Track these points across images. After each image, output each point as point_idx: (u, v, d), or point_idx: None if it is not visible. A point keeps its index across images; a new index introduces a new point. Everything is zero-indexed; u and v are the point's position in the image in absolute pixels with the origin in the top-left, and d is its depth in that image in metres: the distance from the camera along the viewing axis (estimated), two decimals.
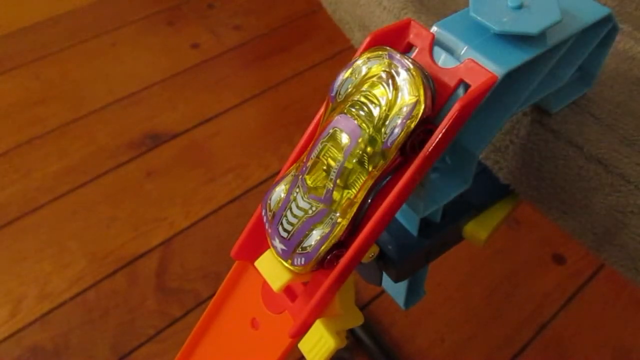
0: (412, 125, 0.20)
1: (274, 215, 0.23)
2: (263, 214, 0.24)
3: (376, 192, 0.22)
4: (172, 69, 1.04)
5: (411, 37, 0.23)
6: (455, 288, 0.72)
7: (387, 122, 0.20)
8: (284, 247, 0.23)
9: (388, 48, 0.21)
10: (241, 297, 0.27)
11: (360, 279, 0.31)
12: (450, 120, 0.20)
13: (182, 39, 1.11)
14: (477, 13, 0.22)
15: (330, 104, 0.22)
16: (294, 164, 0.24)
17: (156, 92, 1.00)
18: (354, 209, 0.22)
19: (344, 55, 1.06)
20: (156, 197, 0.84)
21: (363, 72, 0.21)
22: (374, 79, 0.21)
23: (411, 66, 0.20)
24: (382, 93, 0.21)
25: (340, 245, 0.22)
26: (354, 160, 0.21)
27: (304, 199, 0.22)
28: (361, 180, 0.21)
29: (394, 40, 0.23)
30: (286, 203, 0.23)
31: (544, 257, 0.75)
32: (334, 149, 0.21)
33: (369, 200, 0.22)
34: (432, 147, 0.21)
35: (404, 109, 0.20)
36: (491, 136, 0.24)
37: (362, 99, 0.21)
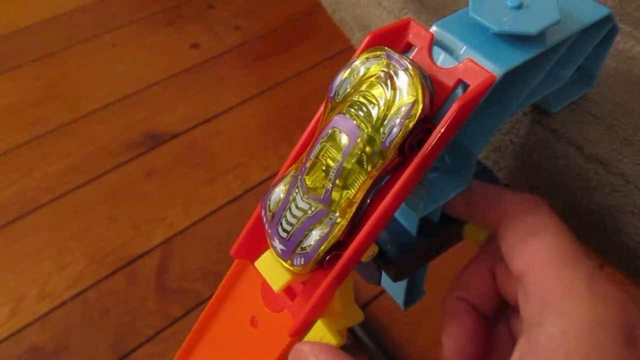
0: (411, 125, 0.20)
1: (273, 216, 0.23)
2: (262, 214, 0.24)
3: (375, 192, 0.22)
4: (172, 69, 1.04)
5: (410, 37, 0.23)
6: None
7: (385, 122, 0.20)
8: (283, 248, 0.23)
9: (386, 48, 0.21)
10: (241, 295, 0.27)
11: (359, 278, 0.31)
12: (449, 120, 0.20)
13: (182, 39, 1.11)
14: (477, 13, 0.22)
15: (329, 104, 0.22)
16: (293, 164, 0.24)
17: (156, 92, 1.00)
18: (353, 208, 0.22)
19: (344, 55, 1.06)
20: (156, 197, 0.84)
21: (361, 72, 0.21)
22: (373, 79, 0.21)
23: (409, 66, 0.20)
24: (380, 93, 0.21)
25: (340, 245, 0.22)
26: (353, 160, 0.21)
27: (303, 199, 0.22)
28: (360, 180, 0.21)
29: (393, 40, 0.23)
30: (285, 203, 0.23)
31: None
32: (332, 149, 0.21)
33: (368, 200, 0.22)
34: (430, 147, 0.20)
35: (403, 109, 0.20)
36: (490, 136, 0.24)
37: (361, 99, 0.21)
